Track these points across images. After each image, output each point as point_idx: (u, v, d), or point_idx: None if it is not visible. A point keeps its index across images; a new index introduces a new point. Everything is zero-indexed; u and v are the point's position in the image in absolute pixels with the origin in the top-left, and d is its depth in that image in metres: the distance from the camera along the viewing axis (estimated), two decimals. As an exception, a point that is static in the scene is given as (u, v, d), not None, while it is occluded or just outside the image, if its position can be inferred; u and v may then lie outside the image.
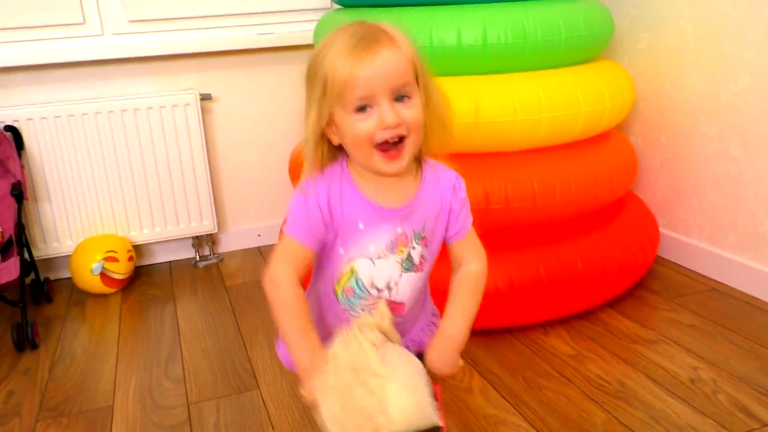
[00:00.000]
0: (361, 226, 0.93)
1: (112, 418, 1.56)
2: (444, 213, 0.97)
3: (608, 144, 1.99)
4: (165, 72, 2.41)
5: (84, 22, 2.32)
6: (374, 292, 0.97)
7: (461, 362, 0.96)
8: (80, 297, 2.27)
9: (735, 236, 2.03)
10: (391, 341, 0.91)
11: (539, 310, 1.81)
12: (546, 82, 1.78)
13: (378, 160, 0.88)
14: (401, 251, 0.95)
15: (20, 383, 1.74)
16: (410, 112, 0.86)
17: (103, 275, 2.22)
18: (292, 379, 1.64)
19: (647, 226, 2.06)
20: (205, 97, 2.44)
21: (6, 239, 2.08)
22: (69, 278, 2.39)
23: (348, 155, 0.93)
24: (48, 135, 2.25)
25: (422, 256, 0.97)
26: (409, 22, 1.78)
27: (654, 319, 1.87)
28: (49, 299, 2.25)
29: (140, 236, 2.43)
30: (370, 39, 0.85)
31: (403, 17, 1.80)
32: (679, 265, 2.21)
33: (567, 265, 1.80)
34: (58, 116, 2.25)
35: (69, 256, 2.32)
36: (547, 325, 1.85)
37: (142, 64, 2.38)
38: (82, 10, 2.30)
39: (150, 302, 2.20)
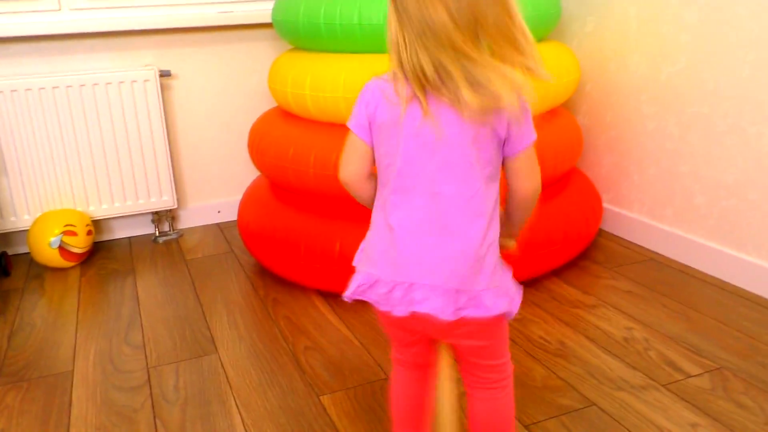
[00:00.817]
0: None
1: (72, 382, 1.60)
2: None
3: (555, 121, 2.09)
4: (124, 48, 2.43)
5: (41, -3, 2.32)
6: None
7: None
8: (38, 271, 2.29)
9: (672, 210, 2.15)
10: None
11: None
12: (494, 59, 1.86)
13: None
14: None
15: (-21, 351, 1.77)
16: None
17: (62, 249, 2.24)
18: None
19: (591, 201, 2.17)
20: (165, 74, 2.46)
21: (-37, 212, 2.09)
22: (26, 253, 2.40)
23: None
24: (5, 109, 2.25)
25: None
26: (364, 2, 1.83)
27: (595, 286, 1.98)
28: (6, 273, 2.26)
29: (99, 211, 2.45)
30: None
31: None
32: (620, 237, 2.34)
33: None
34: (14, 90, 2.25)
35: (26, 230, 2.33)
36: (495, 293, 1.95)
37: (100, 39, 2.39)
38: (39, -16, 2.31)
39: (109, 275, 2.23)
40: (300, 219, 2.00)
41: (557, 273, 2.06)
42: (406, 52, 0.89)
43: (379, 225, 1.00)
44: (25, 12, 2.31)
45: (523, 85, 0.89)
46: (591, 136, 2.42)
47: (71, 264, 2.30)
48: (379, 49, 1.87)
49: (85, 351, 1.74)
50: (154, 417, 1.45)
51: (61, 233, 2.24)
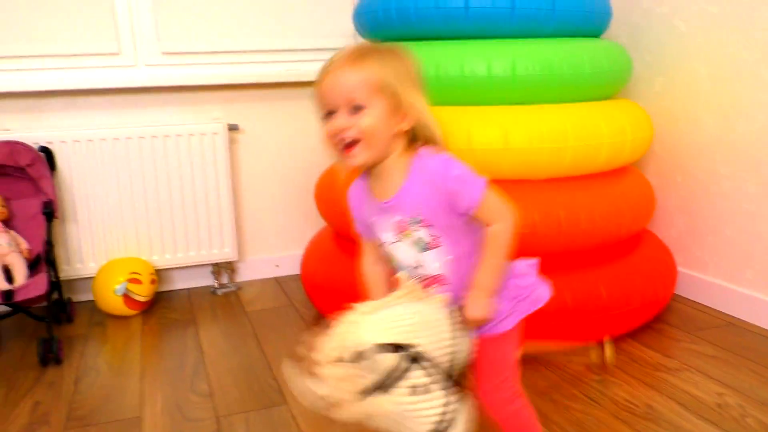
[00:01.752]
0: (374, 218, 1.12)
1: (140, 428, 1.56)
2: (441, 194, 1.05)
3: (628, 178, 2.05)
4: (195, 102, 2.49)
5: (119, 53, 2.41)
6: (410, 270, 1.10)
7: (492, 309, 1.07)
8: (101, 318, 2.28)
9: (752, 272, 2.07)
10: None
11: (563, 336, 1.83)
12: (571, 112, 1.85)
13: (340, 156, 1.06)
14: (408, 235, 1.08)
15: (46, 395, 1.75)
16: (362, 120, 1.02)
17: (126, 296, 2.24)
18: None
19: (666, 261, 2.10)
20: (233, 128, 2.51)
21: (34, 256, 2.11)
22: (89, 301, 2.40)
23: None
24: (79, 158, 2.30)
25: (431, 235, 1.07)
26: (440, 54, 1.86)
27: (675, 349, 1.89)
28: (70, 320, 2.26)
29: (162, 261, 2.45)
30: (333, 60, 1.04)
31: (434, 50, 1.88)
32: (696, 302, 2.25)
33: (591, 293, 1.83)
34: (90, 140, 2.31)
35: (91, 278, 2.34)
36: (571, 353, 1.87)
37: (173, 93, 2.46)
38: (118, 41, 2.40)
39: (171, 325, 2.22)
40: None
41: (633, 336, 1.98)
42: None
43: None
44: (104, 67, 2.39)
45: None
46: (660, 198, 2.37)
47: (134, 312, 2.29)
48: (453, 101, 1.88)
49: (152, 398, 1.71)
50: None
51: (126, 281, 2.24)
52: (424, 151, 1.06)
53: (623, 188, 1.98)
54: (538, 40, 1.90)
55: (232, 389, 1.74)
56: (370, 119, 1.02)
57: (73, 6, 2.31)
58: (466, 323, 1.06)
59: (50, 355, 1.94)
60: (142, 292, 2.28)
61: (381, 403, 0.95)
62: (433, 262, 1.08)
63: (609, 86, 2.01)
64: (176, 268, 2.54)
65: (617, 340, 1.94)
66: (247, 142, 2.59)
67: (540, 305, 1.14)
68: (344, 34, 2.58)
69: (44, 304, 2.08)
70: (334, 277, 2.03)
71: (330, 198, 2.09)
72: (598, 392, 1.65)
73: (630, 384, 1.69)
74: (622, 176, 2.04)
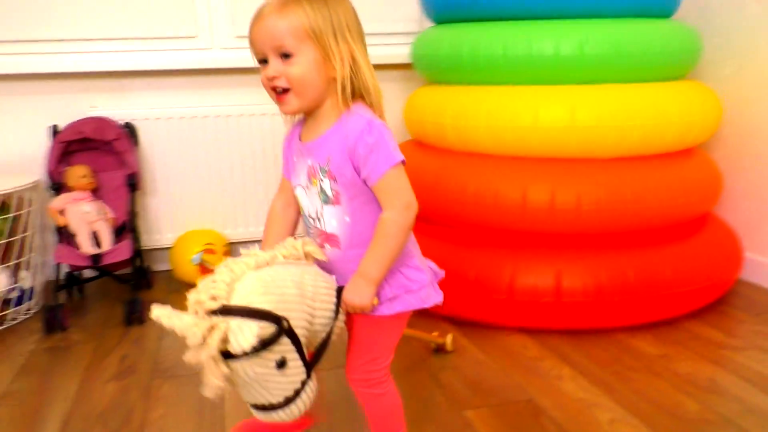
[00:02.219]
0: (295, 158, 1.14)
1: (220, 381, 1.67)
2: (348, 152, 1.04)
3: (695, 160, 2.05)
4: (258, 84, 2.59)
5: (196, 36, 2.53)
6: (310, 221, 1.13)
7: (375, 300, 1.07)
8: (178, 286, 2.41)
9: (822, 257, 2.04)
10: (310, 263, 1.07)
11: (625, 313, 1.86)
12: (639, 92, 1.87)
13: (276, 103, 1.07)
14: (315, 183, 1.09)
15: (132, 349, 1.88)
16: (291, 68, 1.02)
17: (201, 266, 2.37)
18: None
19: (732, 244, 2.09)
20: (302, 108, 2.60)
21: (119, 225, 2.25)
22: (166, 270, 2.54)
23: None
24: (160, 134, 2.44)
25: (334, 190, 1.07)
26: (509, 34, 1.90)
27: (740, 330, 1.90)
28: (149, 286, 2.40)
29: (234, 234, 2.57)
30: (261, 8, 1.05)
31: (503, 30, 1.92)
32: (762, 287, 2.23)
33: (655, 272, 1.85)
34: (170, 117, 2.44)
35: (168, 249, 2.48)
36: (632, 330, 1.89)
37: (246, 75, 2.57)
38: (196, 25, 2.52)
39: (243, 294, 2.33)
40: (433, 246, 2.02)
41: (696, 315, 1.98)
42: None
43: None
44: (182, 49, 2.52)
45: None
46: (729, 181, 2.35)
47: (208, 281, 2.41)
48: (521, 80, 1.92)
49: (229, 356, 1.82)
50: (301, 418, 1.49)
51: (202, 251, 2.37)
52: (358, 108, 1.06)
53: (690, 169, 1.98)
54: (607, 20, 1.91)
55: (303, 351, 1.83)
56: (299, 68, 1.02)
57: (157, -10, 2.45)
58: (342, 305, 1.06)
59: (134, 316, 2.07)
60: (216, 262, 2.39)
61: (241, 367, 0.92)
62: (331, 219, 1.08)
63: (677, 67, 2.01)
64: (247, 240, 2.65)
65: (680, 319, 1.95)
66: (315, 123, 2.67)
67: (427, 305, 1.13)
68: (411, 18, 2.64)
69: (128, 269, 2.22)
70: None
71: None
72: (660, 366, 1.68)
73: (693, 360, 1.71)
74: (689, 158, 2.04)
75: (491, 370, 1.69)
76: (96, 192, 2.28)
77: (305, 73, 1.02)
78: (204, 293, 0.96)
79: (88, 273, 2.33)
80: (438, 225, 2.07)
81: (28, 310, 2.19)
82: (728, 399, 1.51)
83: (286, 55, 1.02)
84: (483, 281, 1.86)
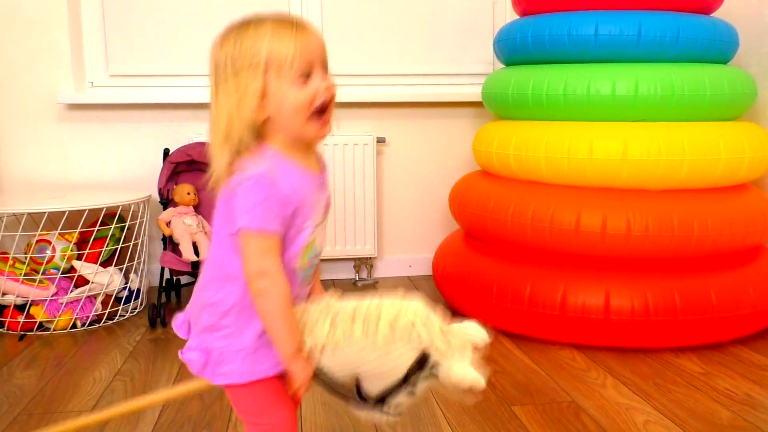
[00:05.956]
0: (315, 196, 1.03)
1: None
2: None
3: (746, 195, 2.17)
4: (350, 117, 2.88)
5: (290, 73, 2.85)
6: (309, 266, 1.07)
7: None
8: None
9: None
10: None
11: (671, 334, 1.99)
12: (690, 130, 2.03)
13: (313, 126, 0.98)
14: (326, 215, 1.07)
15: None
16: (333, 81, 0.99)
17: (284, 277, 2.63)
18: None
19: (782, 277, 2.18)
20: (380, 140, 2.87)
21: (215, 237, 2.56)
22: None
23: (264, 136, 0.99)
24: (254, 159, 2.75)
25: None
26: (570, 76, 2.10)
27: (785, 357, 1.99)
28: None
29: (314, 251, 2.83)
30: (299, 21, 0.98)
31: (564, 72, 2.13)
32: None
33: (701, 297, 1.98)
34: (263, 144, 2.75)
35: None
36: (678, 350, 2.02)
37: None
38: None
39: (319, 304, 2.57)
40: (492, 265, 2.22)
41: (743, 341, 2.09)
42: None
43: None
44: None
45: (239, 168, 0.95)
46: (784, 219, 2.44)
47: (289, 291, 2.68)
48: (579, 117, 2.12)
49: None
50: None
51: (285, 264, 2.63)
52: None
53: (739, 203, 2.11)
54: (662, 65, 2.09)
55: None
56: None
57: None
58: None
59: (225, 316, 2.35)
60: (298, 275, 2.66)
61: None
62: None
63: (730, 109, 2.16)
64: (324, 259, 2.92)
65: (727, 345, 2.06)
66: (391, 153, 2.94)
67: (227, 382, 1.03)
68: (484, 60, 2.89)
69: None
70: (464, 270, 2.30)
71: (464, 200, 2.37)
72: (700, 382, 1.80)
73: (732, 378, 1.83)
74: (740, 192, 2.16)
75: (540, 376, 1.86)
76: (198, 208, 2.60)
77: None
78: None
79: (185, 279, 2.64)
80: (499, 246, 2.27)
81: (134, 308, 2.51)
82: (761, 411, 1.63)
83: (325, 69, 0.99)
84: (537, 299, 2.04)
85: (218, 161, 0.96)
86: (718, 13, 2.45)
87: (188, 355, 1.04)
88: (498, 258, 2.24)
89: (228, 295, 1.01)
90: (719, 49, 2.19)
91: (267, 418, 1.08)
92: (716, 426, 1.56)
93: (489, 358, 2.00)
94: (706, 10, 2.22)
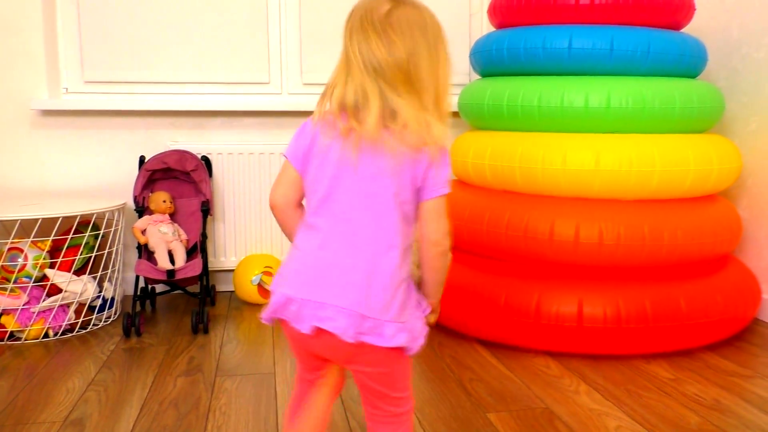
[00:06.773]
0: None
1: (275, 380, 1.91)
2: None
3: (715, 205, 2.22)
4: (327, 126, 2.89)
5: (269, 82, 2.87)
6: None
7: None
8: (238, 305, 2.68)
9: (837, 301, 2.17)
10: None
11: (642, 341, 2.02)
12: (660, 142, 2.08)
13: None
14: None
15: (198, 353, 2.14)
16: None
17: (260, 286, 2.63)
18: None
19: (750, 285, 2.24)
20: (357, 149, 2.88)
21: (191, 245, 2.55)
22: (229, 291, 2.82)
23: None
24: (232, 167, 2.75)
25: None
26: (544, 88, 2.14)
27: (753, 362, 2.04)
28: (213, 303, 2.68)
29: (291, 260, 2.84)
30: None
31: (538, 84, 2.17)
32: (781, 328, 2.36)
33: (671, 305, 2.02)
34: (241, 153, 2.76)
35: (231, 271, 2.76)
36: (649, 357, 2.06)
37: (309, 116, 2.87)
38: (269, 73, 2.86)
39: (296, 313, 2.58)
40: (468, 273, 2.25)
41: (712, 348, 2.13)
42: (340, 88, 1.04)
43: (297, 247, 1.08)
44: (255, 94, 2.85)
45: (441, 136, 1.02)
46: (751, 229, 2.50)
47: (266, 300, 2.67)
48: (553, 128, 2.16)
49: (283, 361, 2.06)
50: (345, 410, 1.71)
51: (261, 273, 2.64)
52: None
53: (708, 214, 2.16)
54: (633, 78, 2.14)
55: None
56: None
57: (234, 44, 2.80)
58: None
59: (201, 326, 2.34)
60: (274, 284, 2.66)
61: None
62: None
63: (699, 121, 2.21)
64: (301, 268, 2.92)
65: (696, 351, 2.10)
66: (368, 163, 2.95)
67: (420, 344, 1.08)
68: (461, 71, 2.93)
69: (195, 287, 2.50)
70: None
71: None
72: (670, 387, 1.84)
73: (702, 384, 1.87)
74: (709, 203, 2.22)
75: (514, 384, 1.88)
76: (173, 215, 2.59)
77: None
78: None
79: (160, 288, 2.63)
80: (473, 255, 2.29)
81: (108, 317, 2.49)
82: (729, 416, 1.66)
83: None
84: (512, 306, 2.07)
85: (429, 127, 1.02)
86: (688, 29, 2.53)
87: (397, 341, 1.02)
88: (473, 266, 2.26)
89: (406, 266, 1.06)
90: (689, 63, 2.25)
91: (410, 387, 1.14)
92: (685, 430, 1.59)
93: (464, 365, 2.01)
94: (676, 26, 2.28)
